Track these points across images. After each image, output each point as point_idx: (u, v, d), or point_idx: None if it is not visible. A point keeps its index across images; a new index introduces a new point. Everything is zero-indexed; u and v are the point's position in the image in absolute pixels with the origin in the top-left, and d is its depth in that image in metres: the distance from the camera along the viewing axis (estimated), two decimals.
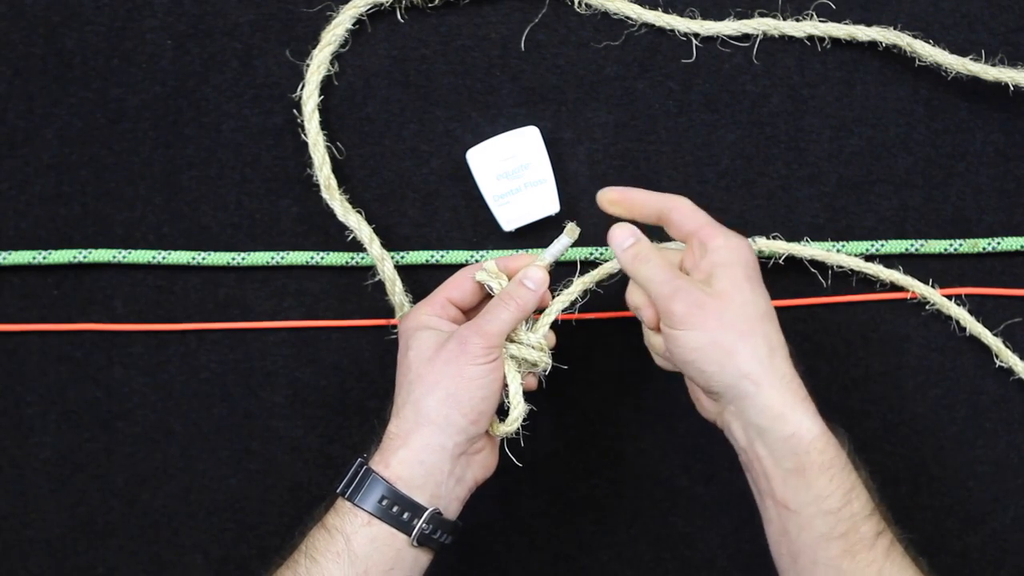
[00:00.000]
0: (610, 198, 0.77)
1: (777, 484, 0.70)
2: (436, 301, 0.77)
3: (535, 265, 0.77)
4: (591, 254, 0.87)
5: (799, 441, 0.69)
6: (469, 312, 0.79)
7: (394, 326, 0.86)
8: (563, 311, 0.78)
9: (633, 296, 0.76)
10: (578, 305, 0.79)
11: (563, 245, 0.77)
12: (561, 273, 0.81)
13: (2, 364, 0.88)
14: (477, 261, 0.86)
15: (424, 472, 0.72)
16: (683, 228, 0.75)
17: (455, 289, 0.78)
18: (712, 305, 0.70)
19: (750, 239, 0.85)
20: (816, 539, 0.69)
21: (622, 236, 0.75)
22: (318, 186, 0.85)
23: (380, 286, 0.85)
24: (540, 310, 0.78)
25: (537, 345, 0.77)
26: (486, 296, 0.79)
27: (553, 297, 0.78)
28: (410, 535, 0.71)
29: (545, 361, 0.77)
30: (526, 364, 0.77)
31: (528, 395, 0.77)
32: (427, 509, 0.72)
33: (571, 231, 0.77)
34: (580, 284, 0.79)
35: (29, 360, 0.88)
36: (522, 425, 0.76)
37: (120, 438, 0.88)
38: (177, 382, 0.88)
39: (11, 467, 0.88)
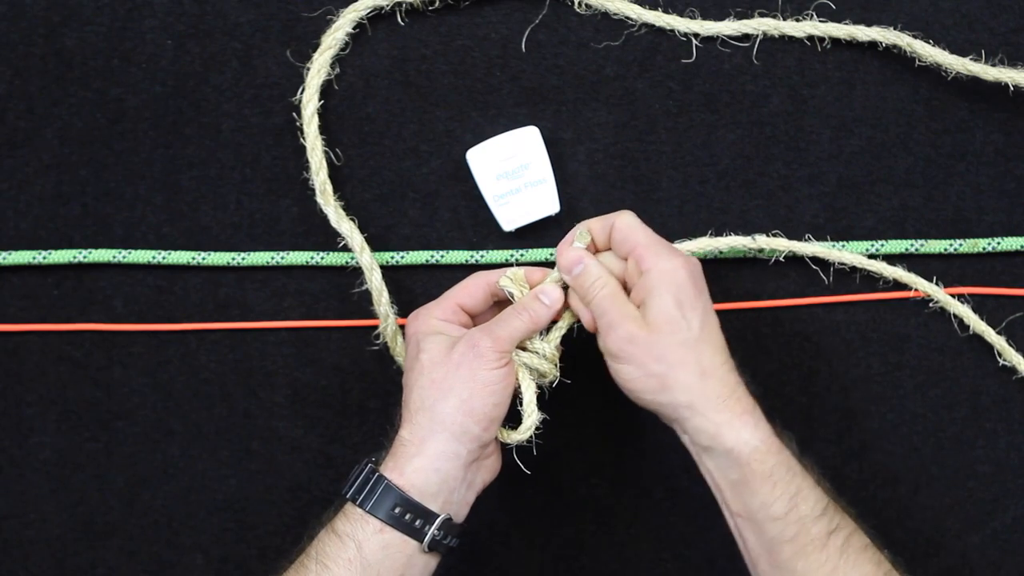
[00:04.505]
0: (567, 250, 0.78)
1: (728, 494, 0.73)
2: (447, 306, 0.77)
3: (553, 282, 0.78)
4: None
5: (739, 455, 0.71)
6: (476, 318, 0.79)
7: (378, 335, 0.86)
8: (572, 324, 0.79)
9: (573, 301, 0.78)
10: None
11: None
12: None
13: (2, 364, 0.88)
14: (477, 261, 0.87)
15: (439, 480, 0.72)
16: (622, 248, 0.76)
17: (466, 295, 0.78)
18: (642, 338, 0.72)
19: (750, 236, 0.85)
20: (769, 543, 0.71)
21: (568, 263, 0.77)
22: (314, 190, 0.85)
23: (368, 292, 0.85)
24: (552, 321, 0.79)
25: (549, 355, 0.77)
26: (495, 303, 0.79)
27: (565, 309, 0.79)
28: (422, 541, 0.72)
29: (554, 373, 0.78)
30: (535, 374, 0.77)
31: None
32: (439, 516, 0.72)
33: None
34: None
35: (29, 360, 0.88)
36: (534, 433, 0.77)
37: (120, 438, 0.88)
38: (177, 382, 0.88)
39: (11, 467, 0.88)
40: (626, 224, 0.76)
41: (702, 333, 0.73)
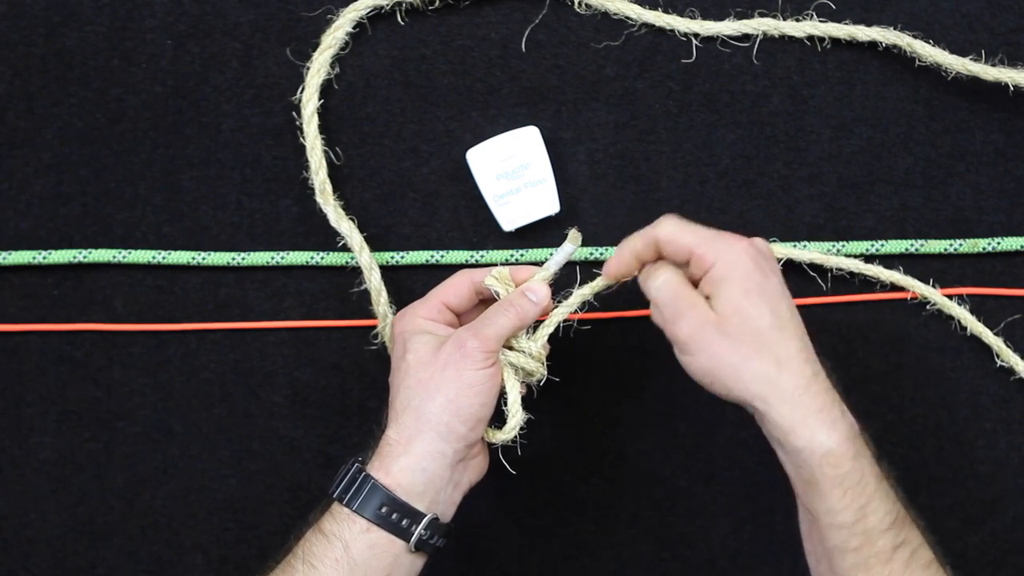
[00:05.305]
0: (611, 271, 0.76)
1: (799, 489, 0.70)
2: (432, 305, 0.77)
3: (539, 279, 0.77)
4: (591, 254, 0.87)
5: (811, 455, 0.68)
6: (462, 317, 0.79)
7: (377, 335, 0.86)
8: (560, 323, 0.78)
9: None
10: (577, 316, 0.79)
11: (566, 253, 0.77)
12: (561, 273, 0.81)
13: (2, 364, 0.88)
14: (477, 261, 0.87)
15: (425, 479, 0.72)
16: (676, 257, 0.73)
17: (452, 294, 0.77)
18: (713, 328, 0.69)
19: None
20: (831, 549, 0.69)
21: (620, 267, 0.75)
22: (314, 189, 0.85)
23: (368, 292, 0.85)
24: (539, 319, 0.78)
25: (536, 355, 0.77)
26: (481, 302, 0.79)
27: (553, 307, 0.78)
28: (408, 541, 0.72)
29: (541, 372, 0.77)
30: (522, 373, 0.77)
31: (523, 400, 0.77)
32: (426, 516, 0.72)
33: (574, 238, 0.77)
34: (579, 296, 0.78)
35: (29, 360, 0.88)
36: (519, 432, 0.76)
37: (120, 438, 0.88)
38: (177, 382, 0.88)
39: (11, 467, 0.88)
40: (670, 232, 0.73)
41: (774, 320, 0.69)
